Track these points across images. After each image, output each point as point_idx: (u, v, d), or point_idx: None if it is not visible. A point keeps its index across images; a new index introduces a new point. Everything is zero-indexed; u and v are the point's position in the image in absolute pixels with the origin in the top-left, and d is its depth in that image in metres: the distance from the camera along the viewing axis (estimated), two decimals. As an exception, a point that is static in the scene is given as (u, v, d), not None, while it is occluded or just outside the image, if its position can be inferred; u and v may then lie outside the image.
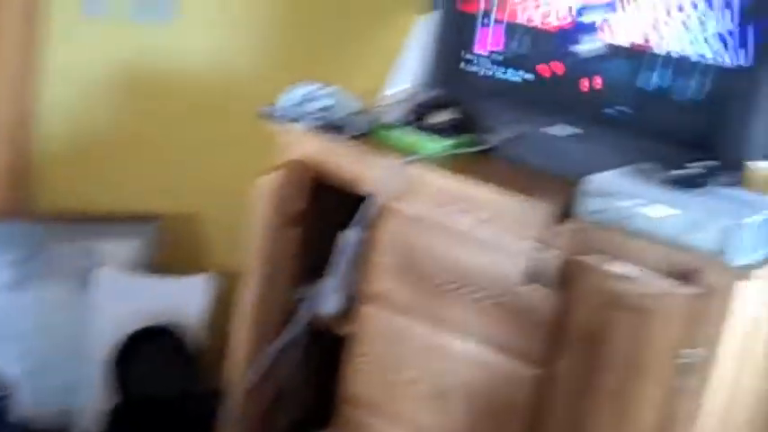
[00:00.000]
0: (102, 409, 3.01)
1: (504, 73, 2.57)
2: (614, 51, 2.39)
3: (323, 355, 2.78)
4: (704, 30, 2.25)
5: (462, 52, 2.62)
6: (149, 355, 3.00)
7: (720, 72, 2.25)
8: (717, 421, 2.12)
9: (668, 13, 2.30)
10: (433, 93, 2.63)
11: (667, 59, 2.32)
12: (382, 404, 2.55)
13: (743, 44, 2.21)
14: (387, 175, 2.46)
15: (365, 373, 2.57)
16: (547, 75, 2.50)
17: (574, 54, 2.45)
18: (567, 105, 2.47)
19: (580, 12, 2.42)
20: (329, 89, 2.64)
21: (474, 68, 2.62)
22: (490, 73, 2.60)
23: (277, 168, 2.63)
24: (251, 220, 2.65)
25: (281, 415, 2.80)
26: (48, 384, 3.07)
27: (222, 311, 3.02)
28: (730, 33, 2.23)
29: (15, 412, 2.91)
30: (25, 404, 2.97)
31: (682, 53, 2.29)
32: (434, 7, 2.65)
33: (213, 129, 3.15)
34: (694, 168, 2.15)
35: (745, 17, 2.21)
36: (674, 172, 2.14)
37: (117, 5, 2.99)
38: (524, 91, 2.54)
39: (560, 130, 2.47)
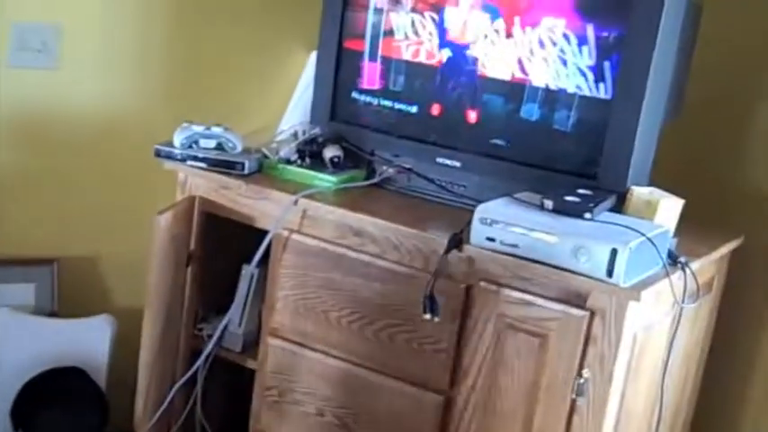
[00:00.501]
0: (7, 455, 2.92)
1: (392, 106, 2.58)
2: (492, 85, 2.41)
3: (228, 388, 2.75)
4: (573, 64, 2.30)
5: (350, 87, 2.62)
6: (53, 398, 2.91)
7: (590, 104, 2.31)
8: (613, 437, 2.16)
9: (540, 47, 2.33)
10: (322, 129, 2.62)
11: (544, 92, 2.36)
12: (289, 436, 2.53)
13: (602, 78, 2.27)
14: (280, 210, 2.44)
15: (271, 406, 2.55)
16: (430, 109, 2.52)
17: (454, 89, 2.46)
18: (453, 137, 2.49)
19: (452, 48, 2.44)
20: (220, 128, 2.62)
21: (360, 103, 2.63)
22: (377, 106, 2.60)
23: (171, 207, 2.59)
24: (149, 258, 2.60)
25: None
26: (-49, 431, 2.97)
27: (126, 351, 2.95)
28: (591, 68, 2.28)
29: None
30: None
31: (556, 86, 2.33)
32: (319, 45, 2.64)
33: (106, 170, 3.08)
34: (578, 195, 2.18)
35: (602, 52, 2.25)
36: (559, 199, 2.16)
37: (-1, 52, 2.91)
38: (411, 124, 2.55)
39: (447, 161, 2.48)
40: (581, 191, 2.21)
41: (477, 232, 2.17)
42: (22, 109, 2.98)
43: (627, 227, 2.09)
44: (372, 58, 2.58)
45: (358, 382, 2.41)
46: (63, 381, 2.95)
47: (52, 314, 3.06)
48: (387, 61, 2.57)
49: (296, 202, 2.43)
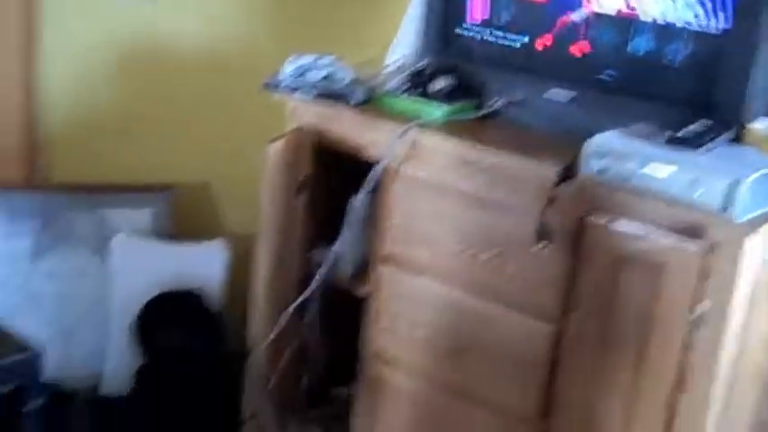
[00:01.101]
0: (128, 371, 2.97)
1: (498, 40, 2.49)
2: (600, 19, 2.31)
3: (342, 314, 2.74)
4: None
5: (456, 20, 2.54)
6: (173, 319, 2.96)
7: (702, 36, 2.20)
8: (729, 370, 2.09)
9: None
10: (431, 60, 2.55)
11: (653, 26, 2.25)
12: (402, 361, 2.52)
13: (722, 7, 2.15)
14: (390, 140, 2.40)
15: (384, 332, 2.54)
16: (539, 42, 2.43)
17: (563, 23, 2.37)
18: (562, 71, 2.40)
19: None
20: (329, 59, 2.58)
21: (468, 35, 2.54)
22: (484, 39, 2.51)
23: (282, 137, 2.56)
24: (261, 186, 2.58)
25: (304, 374, 2.76)
26: (73, 349, 3.04)
27: (238, 276, 2.97)
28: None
29: (44, 376, 2.86)
30: (53, 369, 2.92)
31: (666, 19, 2.22)
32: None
33: (221, 98, 3.08)
34: (694, 128, 2.09)
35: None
36: (674, 131, 2.08)
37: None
38: (519, 57, 2.47)
39: (557, 94, 2.40)
40: (696, 124, 2.11)
41: (590, 163, 2.10)
42: (133, 44, 2.98)
43: (744, 160, 2.00)
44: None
45: (468, 311, 2.37)
46: (179, 304, 2.99)
47: (168, 238, 3.08)
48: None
49: (405, 133, 2.38)
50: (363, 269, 2.61)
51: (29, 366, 2.40)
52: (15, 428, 2.59)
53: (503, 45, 2.49)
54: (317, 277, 2.60)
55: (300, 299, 2.63)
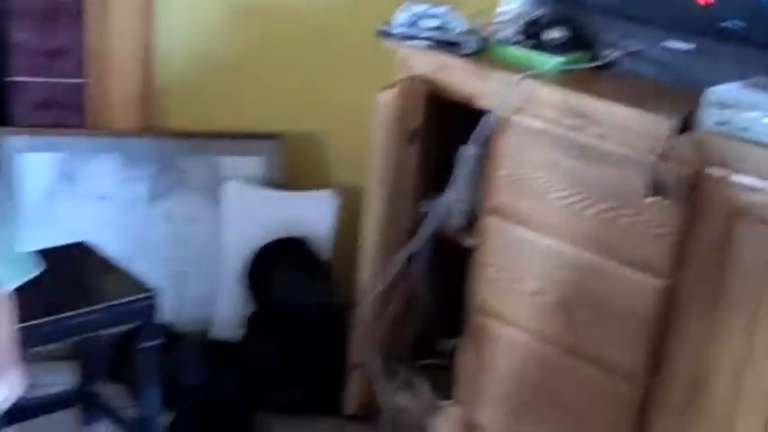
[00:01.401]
0: (237, 316, 3.01)
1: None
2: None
3: (451, 266, 2.72)
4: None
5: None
6: (284, 265, 2.98)
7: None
8: None
9: None
10: (546, 10, 2.50)
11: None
12: (508, 314, 2.50)
13: None
14: (503, 90, 2.36)
15: (490, 284, 2.52)
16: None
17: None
18: (683, 20, 2.32)
19: None
20: (442, 8, 2.55)
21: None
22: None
23: (393, 85, 2.55)
24: (371, 137, 2.58)
25: (410, 324, 2.76)
26: (185, 292, 3.09)
27: (345, 226, 2.98)
28: None
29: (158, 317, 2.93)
30: (165, 311, 2.97)
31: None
32: None
33: (331, 49, 3.08)
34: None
35: None
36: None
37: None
38: (637, 6, 2.39)
39: (676, 44, 2.32)
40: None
41: (708, 115, 2.04)
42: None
43: None
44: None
45: (577, 263, 2.34)
46: (288, 251, 3.01)
47: (279, 187, 3.10)
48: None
49: (518, 83, 2.34)
50: (472, 220, 2.59)
51: (147, 307, 2.45)
52: (133, 364, 2.66)
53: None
54: (426, 227, 2.60)
55: (409, 248, 2.63)
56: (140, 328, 2.46)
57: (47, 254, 2.65)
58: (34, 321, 2.29)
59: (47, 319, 2.33)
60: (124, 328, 2.53)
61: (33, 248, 2.76)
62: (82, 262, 2.62)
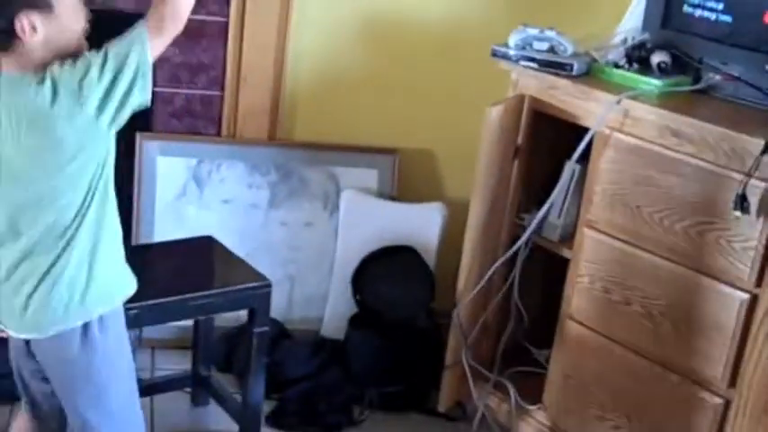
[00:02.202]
0: (346, 317, 3.17)
1: (721, 17, 2.52)
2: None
3: (546, 279, 2.84)
4: None
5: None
6: (391, 271, 3.13)
7: None
8: None
9: None
10: (651, 35, 2.62)
11: None
12: (598, 323, 2.60)
13: None
14: (604, 109, 2.48)
15: (583, 294, 2.62)
16: (763, 17, 2.44)
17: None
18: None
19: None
20: (552, 32, 2.68)
21: (692, 12, 2.58)
22: (707, 16, 2.55)
23: (502, 101, 2.70)
24: (479, 151, 2.72)
25: (504, 331, 2.88)
26: (298, 293, 3.26)
27: (453, 237, 3.12)
28: None
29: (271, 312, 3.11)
30: (278, 309, 3.16)
31: None
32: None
33: (445, 70, 3.24)
34: None
35: None
36: None
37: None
38: (741, 33, 2.49)
39: (771, 69, 2.41)
40: None
41: (796, 135, 2.12)
42: (376, 12, 3.19)
43: None
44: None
45: (666, 276, 2.43)
46: (398, 257, 3.17)
47: (391, 198, 3.27)
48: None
49: (619, 102, 2.47)
50: (570, 234, 2.70)
51: (262, 294, 2.63)
52: (242, 356, 2.84)
53: (727, 20, 2.51)
54: (524, 237, 2.72)
55: (505, 257, 2.76)
56: (254, 314, 2.64)
57: (177, 244, 2.90)
58: (162, 299, 2.50)
59: (174, 298, 2.53)
60: (241, 310, 2.70)
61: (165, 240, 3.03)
62: (206, 253, 2.83)
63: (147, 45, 1.94)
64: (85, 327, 2.06)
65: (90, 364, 2.08)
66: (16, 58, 1.95)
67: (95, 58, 1.94)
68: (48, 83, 1.92)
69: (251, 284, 2.64)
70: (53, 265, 2.01)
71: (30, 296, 2.02)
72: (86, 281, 2.04)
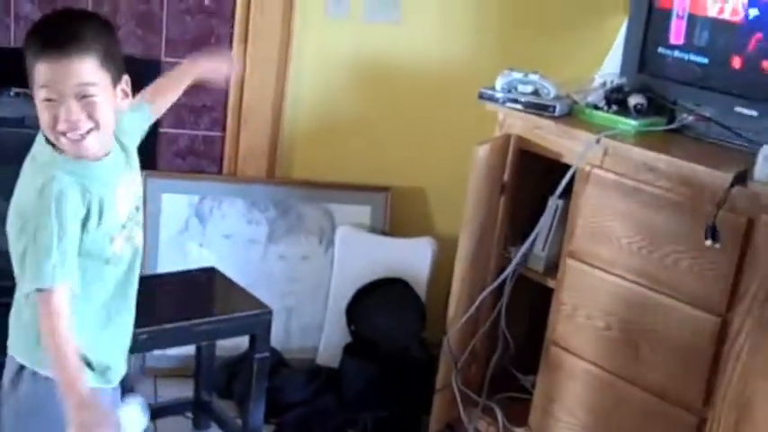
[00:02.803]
0: (341, 346, 3.30)
1: (694, 61, 2.68)
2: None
3: (530, 306, 2.98)
4: None
5: (658, 42, 2.75)
6: (384, 302, 3.26)
7: None
8: None
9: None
10: (629, 79, 2.78)
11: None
12: (580, 348, 2.74)
13: None
14: (586, 147, 2.64)
15: (566, 320, 2.76)
16: (731, 62, 2.61)
17: (756, 43, 2.54)
18: (751, 89, 2.55)
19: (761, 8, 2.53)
20: (536, 75, 2.84)
21: (666, 57, 2.75)
22: (680, 60, 2.71)
23: (489, 141, 2.85)
24: (467, 188, 2.86)
25: (492, 358, 3.01)
26: (295, 324, 3.39)
27: (443, 271, 3.27)
28: None
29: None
30: (276, 338, 3.27)
31: None
32: (631, 4, 2.79)
33: (434, 113, 3.40)
34: None
35: None
36: None
37: (354, 9, 3.28)
38: (712, 77, 2.65)
39: (745, 110, 2.56)
40: None
41: (762, 168, 2.27)
42: (369, 58, 3.35)
43: None
44: (680, 15, 2.70)
45: (643, 302, 2.57)
46: (390, 289, 3.31)
47: (384, 233, 3.42)
48: (693, 18, 2.68)
49: (598, 141, 2.62)
50: (554, 264, 2.85)
51: (263, 321, 2.77)
52: (242, 382, 2.95)
53: (699, 64, 2.67)
54: (510, 268, 2.86)
55: (492, 286, 2.90)
56: (255, 340, 2.76)
57: (181, 275, 3.02)
58: (168, 325, 2.63)
59: (179, 324, 2.65)
60: (243, 336, 2.82)
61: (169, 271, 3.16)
62: (209, 282, 2.96)
63: None
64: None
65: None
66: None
67: None
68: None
69: (253, 312, 2.77)
70: None
71: None
72: None
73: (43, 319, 1.80)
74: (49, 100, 1.80)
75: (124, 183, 1.97)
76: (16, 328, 1.97)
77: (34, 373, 1.94)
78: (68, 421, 1.74)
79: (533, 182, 2.90)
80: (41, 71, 1.79)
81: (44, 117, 1.82)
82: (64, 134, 1.83)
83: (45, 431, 1.93)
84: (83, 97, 1.81)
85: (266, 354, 2.79)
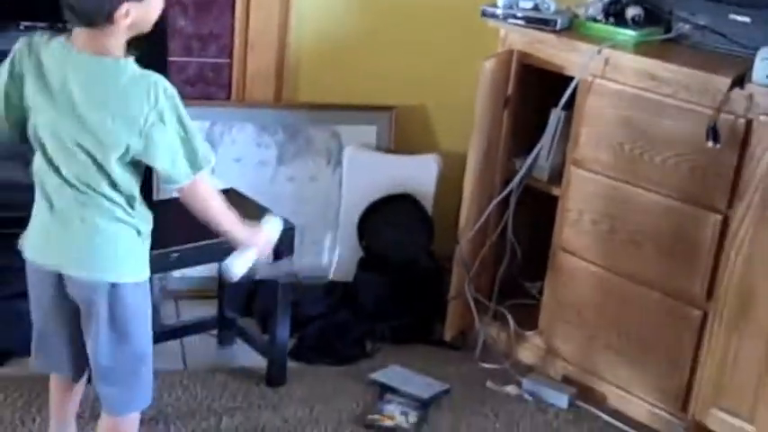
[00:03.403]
0: (353, 261, 3.41)
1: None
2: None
3: (533, 216, 3.09)
4: None
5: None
6: (393, 216, 3.37)
7: None
8: None
9: None
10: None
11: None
12: (586, 251, 2.86)
13: None
14: (588, 58, 2.72)
15: (572, 226, 2.88)
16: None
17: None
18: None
19: None
20: (537, -9, 2.91)
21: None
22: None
23: (494, 56, 2.93)
24: (473, 103, 2.95)
25: (501, 266, 3.12)
26: (307, 242, 3.49)
27: (446, 186, 3.37)
28: None
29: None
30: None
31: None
32: None
33: (434, 33, 3.46)
34: None
35: None
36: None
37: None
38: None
39: (739, 17, 2.65)
40: None
41: (759, 70, 2.37)
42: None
43: None
44: None
45: (648, 205, 2.68)
46: (398, 205, 3.41)
47: (389, 151, 3.51)
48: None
49: (600, 51, 2.71)
50: (558, 174, 2.95)
51: (287, 236, 2.81)
52: (274, 287, 3.01)
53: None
54: (517, 179, 2.97)
55: (501, 196, 3.00)
56: (280, 255, 2.84)
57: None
58: (195, 244, 2.71)
59: (206, 242, 2.71)
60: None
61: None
62: (232, 202, 3.02)
63: None
64: None
65: None
66: (93, 39, 1.99)
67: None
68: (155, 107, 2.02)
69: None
70: None
71: None
72: None
73: (201, 198, 2.18)
74: None
75: None
76: (100, 249, 2.09)
77: (134, 284, 2.14)
78: (250, 248, 2.29)
79: (538, 95, 2.99)
80: None
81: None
82: None
83: (143, 326, 2.20)
84: None
85: (291, 265, 2.88)
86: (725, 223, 2.53)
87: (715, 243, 2.55)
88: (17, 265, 3.10)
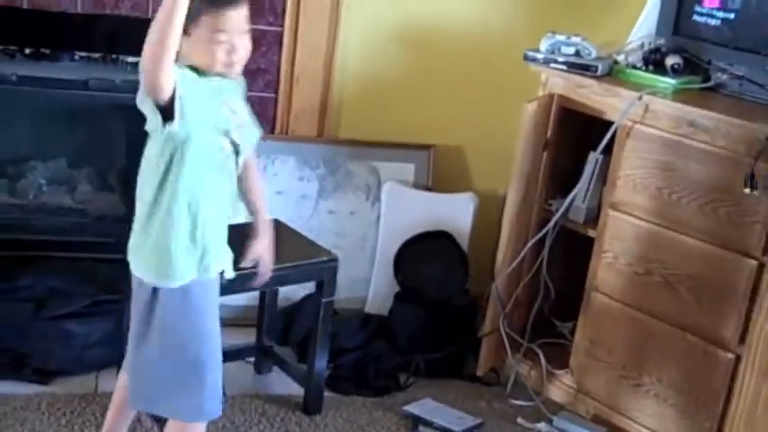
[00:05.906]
0: (388, 295, 3.42)
1: (728, 23, 2.79)
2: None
3: (567, 258, 3.09)
4: None
5: (692, 5, 2.86)
6: (429, 253, 3.38)
7: None
8: None
9: None
10: (666, 40, 2.88)
11: None
12: (621, 293, 2.86)
13: None
14: (628, 104, 2.74)
15: (607, 267, 2.88)
16: (760, 24, 2.71)
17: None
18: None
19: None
20: (578, 38, 2.94)
21: (700, 19, 2.85)
22: (714, 23, 2.82)
23: (536, 99, 2.96)
24: (513, 143, 2.97)
25: (534, 305, 3.13)
26: (343, 274, 3.49)
27: (482, 225, 3.39)
28: None
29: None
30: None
31: None
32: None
33: (475, 74, 3.50)
34: None
35: None
36: None
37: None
38: (745, 38, 2.76)
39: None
40: None
41: (798, 121, 2.38)
42: (413, 22, 3.46)
43: None
44: (714, -20, 2.81)
45: (684, 248, 2.69)
46: (434, 242, 3.42)
47: (427, 189, 3.54)
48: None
49: (640, 98, 2.73)
50: (594, 216, 2.96)
51: (330, 267, 2.87)
52: (315, 316, 3.03)
53: (733, 26, 2.78)
54: (554, 220, 2.98)
55: (537, 237, 3.02)
56: (322, 285, 2.87)
57: (246, 226, 3.12)
58: (243, 271, 2.72)
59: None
60: (313, 281, 2.92)
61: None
62: (276, 233, 3.06)
63: None
64: None
65: None
66: None
67: None
68: None
69: (320, 258, 2.88)
70: None
71: None
72: None
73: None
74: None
75: None
76: (143, 252, 2.24)
77: (170, 291, 2.24)
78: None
79: (576, 139, 3.01)
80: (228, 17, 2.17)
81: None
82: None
83: (192, 327, 2.36)
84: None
85: (332, 298, 2.90)
86: (760, 269, 2.52)
87: (750, 288, 2.55)
88: (64, 288, 3.17)
